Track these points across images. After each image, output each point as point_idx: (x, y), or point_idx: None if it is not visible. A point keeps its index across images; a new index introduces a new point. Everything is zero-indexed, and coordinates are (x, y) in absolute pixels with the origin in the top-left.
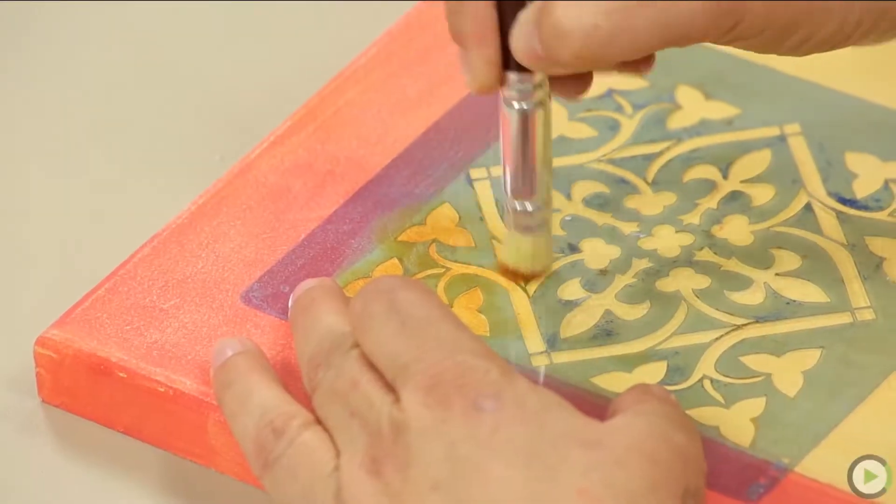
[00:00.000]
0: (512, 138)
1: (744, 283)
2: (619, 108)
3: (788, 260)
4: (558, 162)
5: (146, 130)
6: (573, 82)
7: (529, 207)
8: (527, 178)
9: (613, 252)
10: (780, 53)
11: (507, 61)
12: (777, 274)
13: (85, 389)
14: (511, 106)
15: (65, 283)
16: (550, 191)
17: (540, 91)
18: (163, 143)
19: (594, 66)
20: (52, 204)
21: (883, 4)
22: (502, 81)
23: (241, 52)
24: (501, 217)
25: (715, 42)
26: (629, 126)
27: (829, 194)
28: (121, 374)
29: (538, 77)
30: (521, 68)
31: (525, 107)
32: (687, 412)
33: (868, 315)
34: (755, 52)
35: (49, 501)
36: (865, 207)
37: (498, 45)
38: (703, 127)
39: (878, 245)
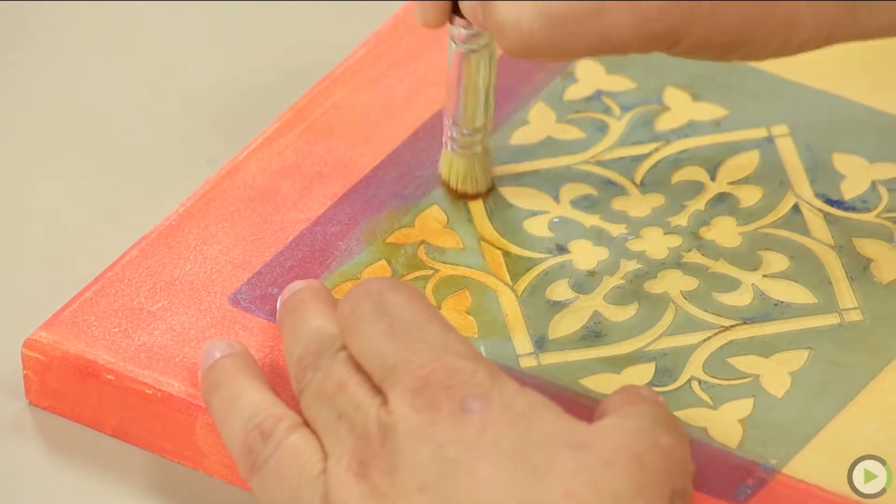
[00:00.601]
0: (454, 71)
1: (731, 284)
2: (607, 110)
3: (776, 261)
4: (547, 164)
5: (134, 132)
6: None
7: (461, 131)
8: (462, 107)
9: (602, 253)
10: (726, 61)
11: (456, 5)
12: (765, 275)
13: (72, 392)
14: (454, 42)
15: (52, 286)
16: (488, 120)
17: (486, 35)
18: (150, 144)
19: (529, 59)
20: (40, 206)
21: (831, 26)
22: (451, 20)
23: (228, 54)
24: (486, 212)
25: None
26: (617, 128)
27: (817, 195)
28: (108, 377)
29: None
30: None
31: (466, 48)
32: (675, 413)
33: (855, 316)
34: (700, 60)
35: None
36: (853, 208)
37: None
38: (690, 128)
39: (865, 246)
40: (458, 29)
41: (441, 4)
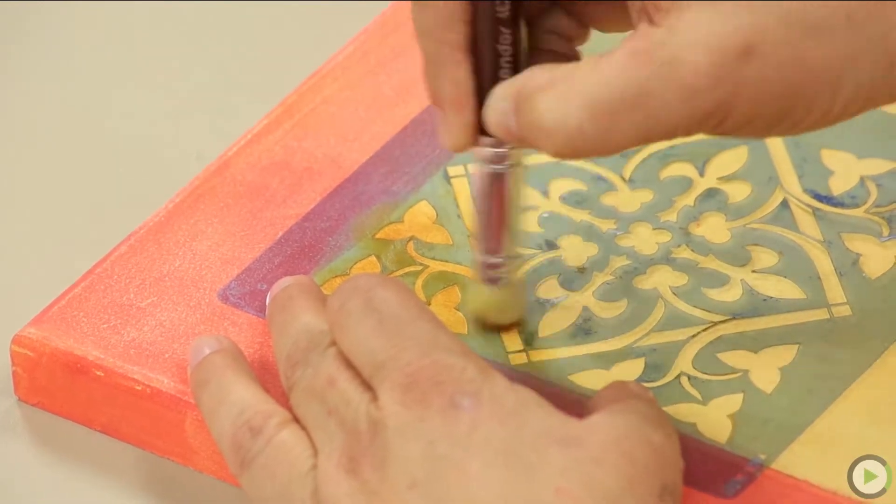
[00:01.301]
0: (482, 195)
1: (721, 280)
2: None
3: (765, 257)
4: (537, 159)
5: (123, 129)
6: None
7: (495, 261)
8: (493, 234)
9: (591, 250)
10: (767, 137)
11: (482, 124)
12: (754, 271)
13: (62, 388)
14: (483, 164)
15: (41, 282)
16: (518, 244)
17: (514, 152)
18: (140, 141)
19: (572, 158)
20: (28, 202)
21: (870, 87)
22: (477, 142)
23: (217, 51)
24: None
25: (701, 134)
26: None
27: (805, 191)
28: (98, 373)
29: None
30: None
31: (497, 168)
32: (664, 409)
33: (844, 311)
34: (742, 138)
35: (26, 501)
36: (841, 204)
37: (474, 110)
38: None
39: (854, 242)
40: (485, 149)
41: (468, 123)
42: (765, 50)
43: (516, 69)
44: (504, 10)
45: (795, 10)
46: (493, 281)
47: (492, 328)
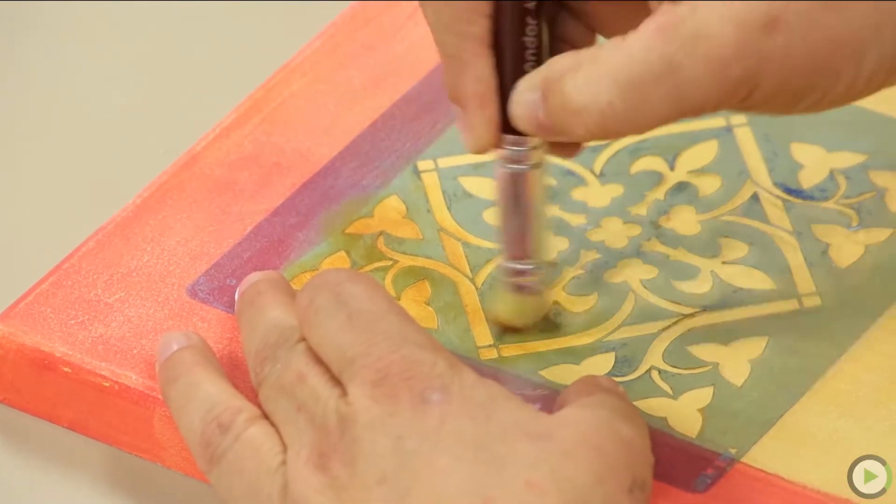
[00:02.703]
0: (506, 199)
1: (691, 272)
2: None
3: (735, 248)
4: None
5: (90, 123)
6: (569, 144)
7: (523, 268)
8: (520, 239)
9: (561, 244)
10: (792, 114)
11: (504, 122)
12: (724, 262)
13: (29, 384)
14: (506, 166)
15: (8, 277)
16: (546, 250)
17: (536, 152)
18: (107, 135)
19: (604, 139)
20: None
21: (893, 63)
22: (499, 141)
23: (185, 45)
24: (445, 203)
25: (728, 110)
26: None
27: (776, 184)
28: (65, 369)
29: (535, 139)
30: (517, 130)
31: (520, 168)
32: (635, 403)
33: (814, 301)
34: (768, 114)
35: None
36: (811, 197)
37: (498, 107)
38: None
39: (823, 231)
40: (507, 150)
41: (491, 120)
42: (789, 22)
43: (539, 63)
44: (531, 2)
45: None
46: (521, 289)
47: (511, 330)
